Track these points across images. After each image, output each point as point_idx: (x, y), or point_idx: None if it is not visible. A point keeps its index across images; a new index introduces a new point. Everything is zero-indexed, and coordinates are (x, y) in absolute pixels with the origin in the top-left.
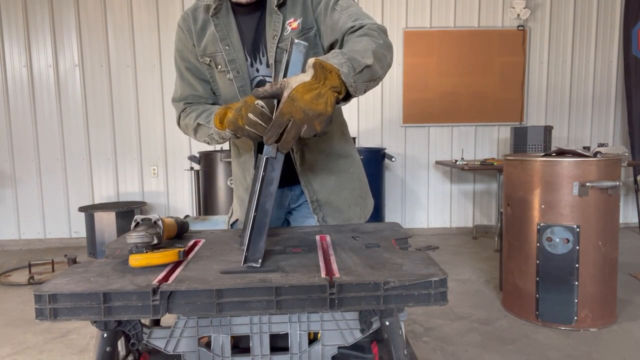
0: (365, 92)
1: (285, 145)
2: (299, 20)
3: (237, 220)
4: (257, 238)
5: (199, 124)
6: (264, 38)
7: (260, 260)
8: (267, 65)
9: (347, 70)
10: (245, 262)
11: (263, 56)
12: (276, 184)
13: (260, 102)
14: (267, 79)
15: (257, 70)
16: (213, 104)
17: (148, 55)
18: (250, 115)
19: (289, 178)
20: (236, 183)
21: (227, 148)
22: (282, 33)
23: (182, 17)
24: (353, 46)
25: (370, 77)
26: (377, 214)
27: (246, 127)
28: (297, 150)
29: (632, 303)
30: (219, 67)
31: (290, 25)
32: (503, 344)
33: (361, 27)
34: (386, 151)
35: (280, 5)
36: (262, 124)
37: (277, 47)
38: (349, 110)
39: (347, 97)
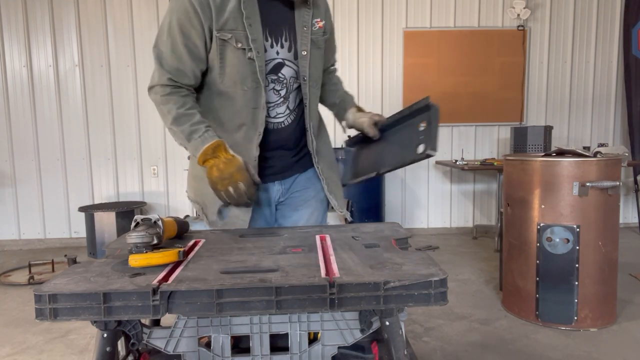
0: None
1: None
2: (323, 22)
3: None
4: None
5: (177, 126)
6: (288, 24)
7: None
8: (289, 50)
9: None
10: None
11: (285, 41)
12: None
13: (243, 186)
14: (287, 62)
15: (277, 53)
16: (192, 86)
17: (148, 55)
18: (230, 190)
19: (283, 170)
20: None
21: None
22: (311, 28)
23: None
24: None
25: None
26: (377, 214)
27: (223, 194)
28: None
29: (632, 303)
30: (239, 44)
31: (318, 23)
32: (503, 344)
33: (333, 65)
34: None
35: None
36: (236, 198)
37: (311, 40)
38: None
39: None
